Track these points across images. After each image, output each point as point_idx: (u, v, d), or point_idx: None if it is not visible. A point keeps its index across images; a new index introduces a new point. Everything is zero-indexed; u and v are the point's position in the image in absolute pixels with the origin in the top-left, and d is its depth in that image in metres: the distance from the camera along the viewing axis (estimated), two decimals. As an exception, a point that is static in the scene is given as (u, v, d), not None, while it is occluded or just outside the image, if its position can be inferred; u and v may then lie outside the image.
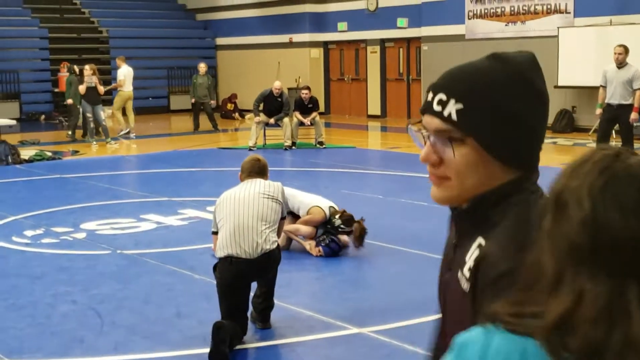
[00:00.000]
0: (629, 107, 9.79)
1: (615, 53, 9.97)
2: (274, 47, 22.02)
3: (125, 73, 16.54)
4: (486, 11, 17.16)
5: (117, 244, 7.19)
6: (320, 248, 6.65)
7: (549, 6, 16.13)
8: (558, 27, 15.70)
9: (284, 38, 21.79)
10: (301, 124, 14.26)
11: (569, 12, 15.82)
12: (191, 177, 11.39)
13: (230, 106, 21.80)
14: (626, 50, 9.92)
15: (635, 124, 10.19)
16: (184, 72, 22.84)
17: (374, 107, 20.34)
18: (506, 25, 16.82)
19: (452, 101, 1.27)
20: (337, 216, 6.70)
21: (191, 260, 6.59)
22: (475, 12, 17.37)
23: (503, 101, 1.26)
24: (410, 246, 6.94)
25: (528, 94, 1.28)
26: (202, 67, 17.72)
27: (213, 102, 18.03)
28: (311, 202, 6.89)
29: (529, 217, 1.23)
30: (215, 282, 4.79)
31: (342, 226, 6.64)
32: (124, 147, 15.18)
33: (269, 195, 4.83)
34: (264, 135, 14.41)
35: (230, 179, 11.41)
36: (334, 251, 6.67)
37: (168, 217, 8.28)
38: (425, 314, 5.09)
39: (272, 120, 14.11)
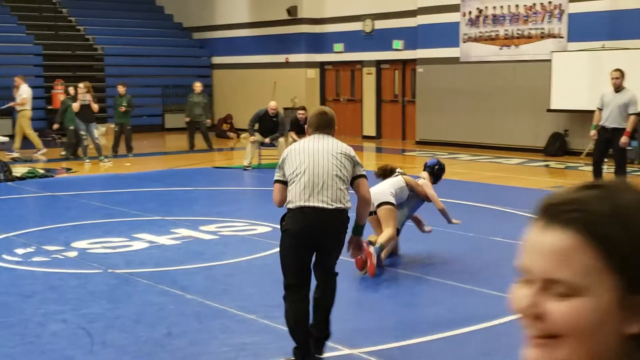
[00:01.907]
0: (623, 131, 9.81)
1: (612, 77, 9.99)
2: (270, 67, 22.09)
3: (27, 92, 16.44)
4: (481, 35, 17.27)
5: (108, 263, 7.15)
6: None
7: (542, 30, 16.25)
8: (551, 51, 15.80)
9: (280, 58, 21.87)
10: (296, 144, 14.26)
11: (562, 37, 15.94)
12: (185, 196, 11.37)
13: (225, 126, 21.84)
14: (622, 74, 9.95)
15: (627, 148, 10.23)
16: (179, 90, 22.87)
17: (369, 128, 20.38)
18: (500, 49, 16.92)
19: None
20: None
21: (183, 280, 6.55)
22: (470, 36, 17.47)
23: None
24: (403, 267, 6.92)
25: None
26: (198, 86, 17.75)
27: (209, 121, 18.04)
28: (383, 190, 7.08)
29: None
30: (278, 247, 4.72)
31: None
32: (117, 166, 15.15)
33: (341, 152, 4.66)
34: (259, 154, 14.41)
35: (224, 198, 11.42)
36: None
37: (161, 237, 8.24)
38: (418, 335, 5.07)
39: (267, 140, 14.12)
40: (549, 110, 15.86)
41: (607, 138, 9.92)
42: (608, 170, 10.71)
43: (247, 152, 14.06)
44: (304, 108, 14.94)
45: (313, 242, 4.57)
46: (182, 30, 25.21)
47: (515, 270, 0.97)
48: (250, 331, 5.27)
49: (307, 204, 4.50)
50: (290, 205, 4.56)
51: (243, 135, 19.79)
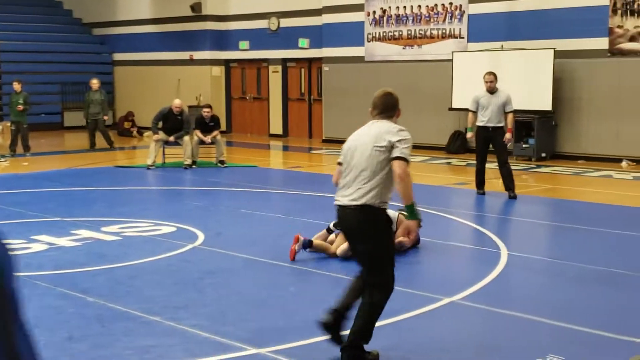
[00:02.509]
0: (502, 129, 10.55)
1: (487, 81, 10.67)
2: (174, 64, 21.76)
3: None
4: (384, 34, 17.55)
5: (4, 266, 6.85)
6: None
7: (444, 31, 16.66)
8: (452, 52, 16.22)
9: (184, 55, 21.57)
10: (202, 142, 14.09)
11: (463, 37, 16.39)
12: (86, 196, 11.05)
13: (127, 124, 21.36)
14: (496, 77, 10.67)
15: (509, 144, 10.89)
16: (78, 87, 22.21)
17: (276, 127, 20.38)
18: (403, 48, 17.24)
19: None
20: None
21: (84, 283, 6.36)
22: (374, 35, 17.72)
23: None
24: (310, 266, 6.94)
25: None
26: (95, 82, 17.30)
27: (106, 118, 17.57)
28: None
29: None
30: None
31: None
32: (14, 165, 14.57)
33: (380, 145, 4.48)
34: (163, 153, 14.16)
35: (127, 198, 11.16)
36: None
37: (60, 238, 7.98)
38: (324, 333, 5.09)
39: (171, 139, 13.89)
40: (451, 109, 16.28)
41: (487, 137, 10.61)
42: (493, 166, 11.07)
43: (150, 151, 13.78)
44: (209, 106, 14.78)
45: (347, 237, 4.73)
46: (82, 26, 24.51)
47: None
48: (155, 333, 5.16)
49: (336, 201, 4.63)
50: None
51: (146, 133, 19.41)
